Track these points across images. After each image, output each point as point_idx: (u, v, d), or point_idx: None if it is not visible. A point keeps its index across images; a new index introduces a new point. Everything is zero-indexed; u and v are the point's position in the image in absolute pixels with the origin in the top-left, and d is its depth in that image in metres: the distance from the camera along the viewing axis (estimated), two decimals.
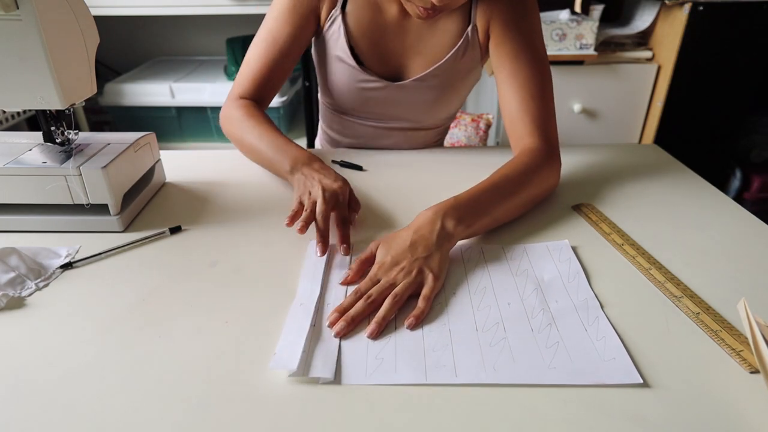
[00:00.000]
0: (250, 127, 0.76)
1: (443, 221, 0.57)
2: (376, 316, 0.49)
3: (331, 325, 0.48)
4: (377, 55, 0.82)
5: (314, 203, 0.61)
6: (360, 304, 0.50)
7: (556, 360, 0.44)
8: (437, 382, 0.42)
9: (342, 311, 0.50)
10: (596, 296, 0.52)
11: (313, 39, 0.86)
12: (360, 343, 0.47)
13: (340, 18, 0.79)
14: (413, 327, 0.48)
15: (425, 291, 0.51)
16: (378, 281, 0.52)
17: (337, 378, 0.43)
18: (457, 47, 0.79)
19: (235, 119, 0.78)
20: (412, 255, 0.54)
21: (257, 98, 0.81)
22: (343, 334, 0.47)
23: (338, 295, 0.53)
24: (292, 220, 0.60)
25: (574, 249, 0.60)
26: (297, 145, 0.73)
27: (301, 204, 0.62)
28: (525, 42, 0.75)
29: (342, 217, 0.62)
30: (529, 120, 0.73)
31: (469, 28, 0.78)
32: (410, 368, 0.43)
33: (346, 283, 0.55)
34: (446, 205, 0.59)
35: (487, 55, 0.82)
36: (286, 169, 0.70)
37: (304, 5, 0.78)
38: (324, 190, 0.62)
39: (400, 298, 0.50)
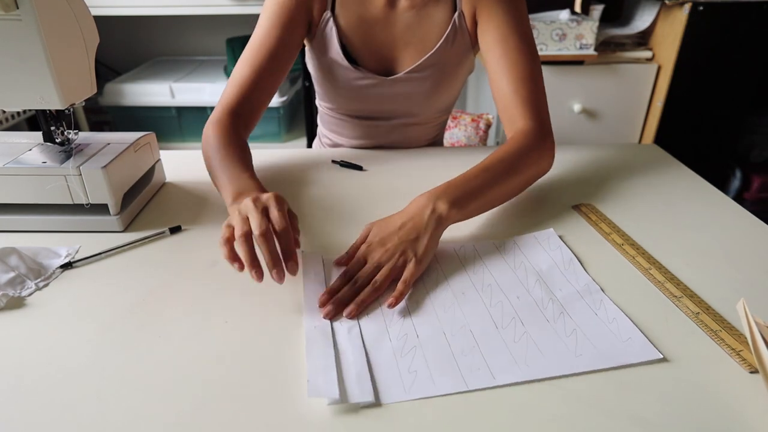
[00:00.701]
0: (216, 150, 0.68)
1: (435, 204, 0.58)
2: (357, 299, 0.52)
3: (322, 305, 0.51)
4: (369, 51, 0.83)
5: (246, 218, 0.51)
6: (347, 288, 0.53)
7: (580, 347, 0.45)
8: (478, 387, 0.42)
9: (332, 293, 0.52)
10: (594, 280, 0.54)
11: (306, 45, 0.86)
12: (388, 359, 0.45)
13: (331, 20, 0.80)
14: (393, 306, 0.51)
15: (405, 274, 0.53)
16: (365, 262, 0.55)
17: (375, 399, 0.41)
18: (446, 35, 0.80)
19: (209, 134, 0.71)
20: (399, 238, 0.56)
21: (243, 111, 0.75)
22: (332, 317, 0.50)
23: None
24: (231, 254, 0.51)
25: (570, 248, 0.60)
26: (250, 177, 0.63)
27: (229, 227, 0.52)
28: (512, 26, 0.76)
29: (281, 229, 0.51)
30: (521, 103, 0.74)
31: (456, 15, 0.79)
32: (447, 377, 0.43)
33: (339, 263, 0.58)
34: (439, 190, 0.61)
35: (478, 41, 0.82)
36: (228, 202, 0.60)
37: (293, 11, 0.77)
38: (255, 200, 0.53)
39: (381, 285, 0.53)
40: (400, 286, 0.52)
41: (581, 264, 0.57)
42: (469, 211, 0.62)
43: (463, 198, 0.60)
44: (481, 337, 0.47)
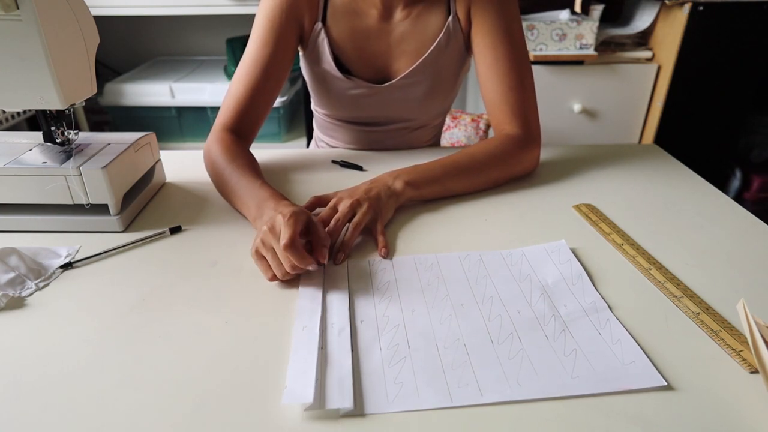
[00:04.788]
0: (224, 166, 0.69)
1: (394, 181, 0.68)
2: (342, 242, 0.59)
3: (324, 259, 0.55)
4: (363, 61, 0.83)
5: (268, 266, 0.54)
6: (332, 224, 0.60)
7: (577, 369, 0.43)
8: (463, 404, 0.40)
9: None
10: (603, 298, 0.52)
11: (300, 54, 0.86)
12: (376, 367, 0.44)
13: (322, 31, 0.80)
14: (386, 256, 0.59)
15: (379, 227, 0.62)
16: (337, 210, 0.63)
17: (357, 408, 0.40)
18: (438, 39, 0.80)
19: (213, 154, 0.72)
20: (364, 195, 0.64)
21: (241, 128, 0.77)
22: (326, 260, 0.56)
23: (341, 312, 0.50)
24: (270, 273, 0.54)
25: (573, 250, 0.60)
26: (267, 187, 0.64)
27: (260, 256, 0.54)
28: (504, 33, 0.77)
29: (317, 240, 0.55)
30: (509, 110, 0.77)
31: (450, 18, 0.79)
32: (433, 390, 0.41)
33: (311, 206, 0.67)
34: (403, 170, 0.70)
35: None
36: (252, 215, 0.62)
37: (283, 25, 0.77)
38: (271, 229, 0.53)
39: (359, 226, 0.61)
40: (380, 237, 0.61)
41: (591, 280, 0.54)
42: (424, 192, 0.70)
43: (421, 181, 0.69)
44: (474, 352, 0.45)
